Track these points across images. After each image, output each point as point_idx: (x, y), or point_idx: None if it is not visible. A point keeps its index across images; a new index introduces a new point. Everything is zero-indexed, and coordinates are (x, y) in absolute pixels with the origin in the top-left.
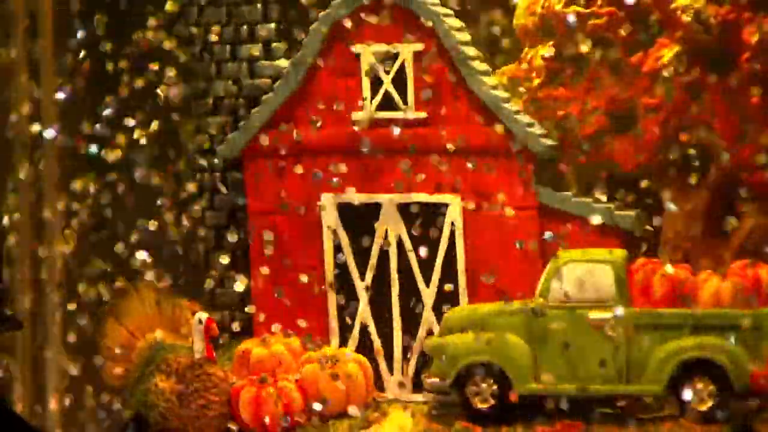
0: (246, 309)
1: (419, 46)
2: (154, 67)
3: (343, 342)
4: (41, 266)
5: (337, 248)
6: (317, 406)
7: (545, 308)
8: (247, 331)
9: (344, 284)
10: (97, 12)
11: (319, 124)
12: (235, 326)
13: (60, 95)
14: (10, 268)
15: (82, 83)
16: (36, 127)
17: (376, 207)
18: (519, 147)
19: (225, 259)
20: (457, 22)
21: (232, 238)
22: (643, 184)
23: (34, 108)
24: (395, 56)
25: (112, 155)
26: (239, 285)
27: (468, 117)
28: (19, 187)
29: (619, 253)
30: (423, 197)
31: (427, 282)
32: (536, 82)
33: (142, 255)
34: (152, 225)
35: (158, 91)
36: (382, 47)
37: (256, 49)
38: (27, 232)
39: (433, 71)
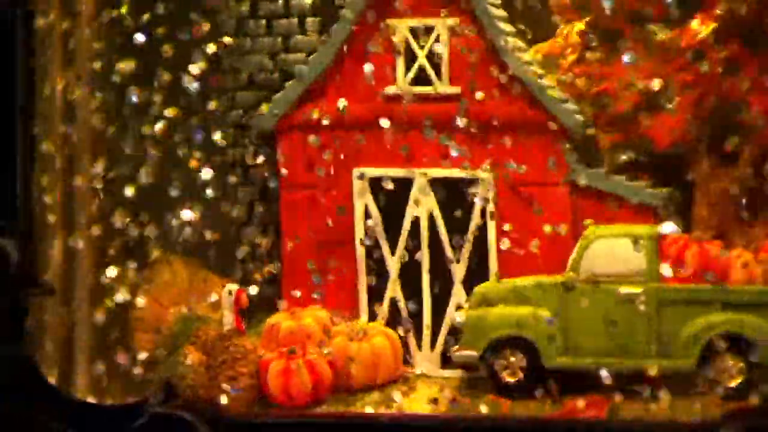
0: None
1: (454, 21)
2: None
3: (372, 317)
4: (72, 233)
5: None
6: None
7: (576, 282)
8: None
9: (375, 260)
10: None
11: (343, 107)
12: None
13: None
14: (42, 237)
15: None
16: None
17: (409, 182)
18: (553, 123)
19: (260, 239)
20: None
21: (263, 213)
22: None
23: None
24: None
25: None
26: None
27: (502, 92)
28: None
29: (652, 229)
30: (455, 172)
31: (458, 258)
32: (571, 58)
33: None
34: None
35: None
36: (418, 21)
37: (291, 24)
38: (58, 200)
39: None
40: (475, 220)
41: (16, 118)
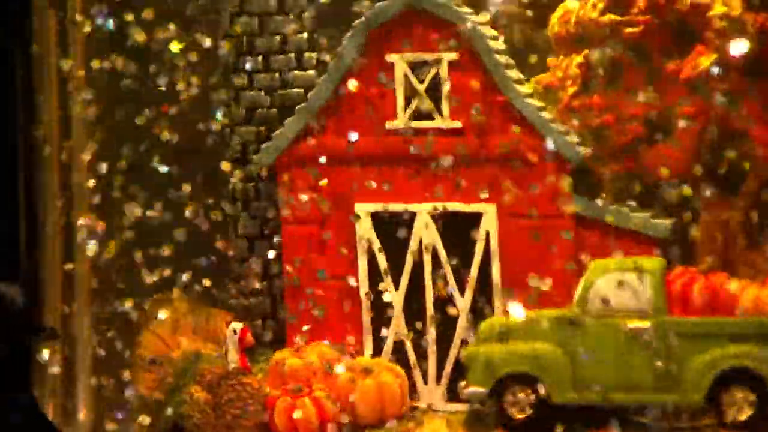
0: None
1: (454, 55)
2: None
3: (377, 352)
4: (71, 277)
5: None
6: (344, 419)
7: (582, 317)
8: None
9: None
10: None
11: (352, 142)
12: (268, 335)
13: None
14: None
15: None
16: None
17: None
18: (554, 155)
19: (257, 268)
20: (491, 31)
21: (264, 247)
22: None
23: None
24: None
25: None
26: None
27: (503, 126)
28: (49, 197)
29: (657, 262)
30: (458, 206)
31: (462, 291)
32: (571, 90)
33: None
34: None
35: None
36: (417, 56)
37: (288, 60)
38: (57, 243)
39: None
40: (479, 253)
41: (18, 165)
